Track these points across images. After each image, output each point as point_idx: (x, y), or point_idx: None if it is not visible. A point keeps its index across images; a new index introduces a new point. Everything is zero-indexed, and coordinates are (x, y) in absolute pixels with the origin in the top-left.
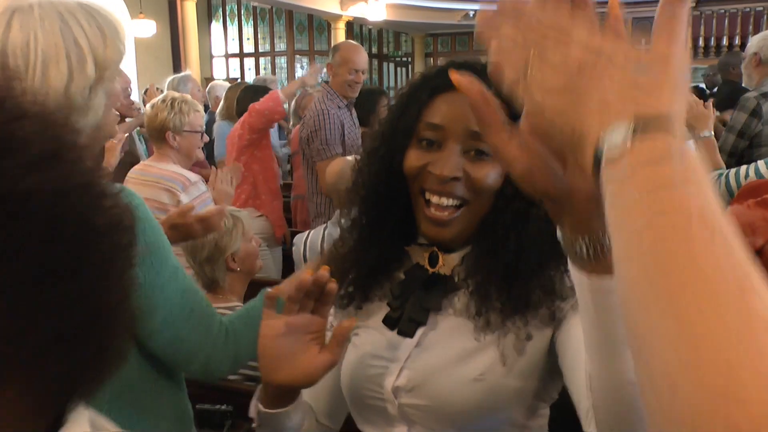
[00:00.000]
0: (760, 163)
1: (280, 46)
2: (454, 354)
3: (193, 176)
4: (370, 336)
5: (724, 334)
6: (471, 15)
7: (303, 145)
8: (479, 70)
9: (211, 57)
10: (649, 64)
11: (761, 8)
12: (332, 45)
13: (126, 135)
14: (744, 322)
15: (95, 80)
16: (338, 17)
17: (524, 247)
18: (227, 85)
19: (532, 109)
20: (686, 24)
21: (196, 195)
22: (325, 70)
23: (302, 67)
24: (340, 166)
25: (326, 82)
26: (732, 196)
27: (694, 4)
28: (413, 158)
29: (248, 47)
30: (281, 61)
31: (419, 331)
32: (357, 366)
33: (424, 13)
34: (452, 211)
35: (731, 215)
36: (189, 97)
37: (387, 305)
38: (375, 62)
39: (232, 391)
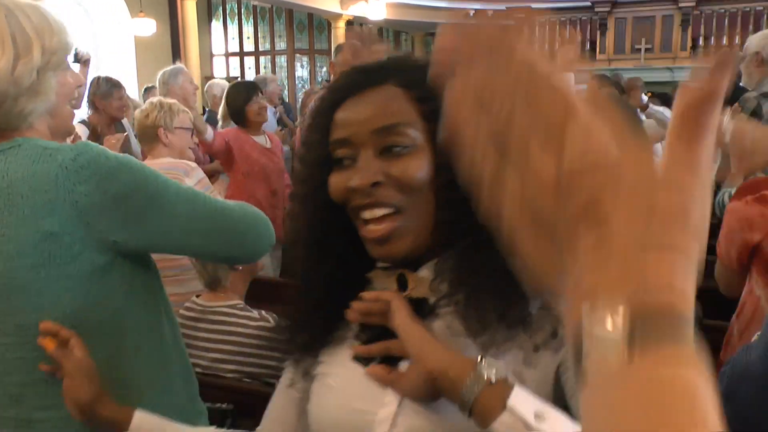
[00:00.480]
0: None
1: (281, 45)
2: None
3: (192, 162)
4: (347, 376)
5: None
6: (471, 14)
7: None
8: (384, 69)
9: (212, 56)
10: (665, 214)
11: (761, 8)
12: (332, 44)
13: (125, 135)
14: None
15: (42, 64)
16: (338, 16)
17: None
18: (225, 83)
19: (501, 226)
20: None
21: (200, 178)
22: (325, 68)
23: (302, 66)
24: None
25: (327, 81)
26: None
27: (694, 4)
28: (334, 183)
29: (248, 46)
30: (281, 60)
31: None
32: (338, 412)
33: (424, 13)
34: (390, 221)
35: (730, 212)
36: (176, 103)
37: (356, 339)
38: None
39: (232, 389)
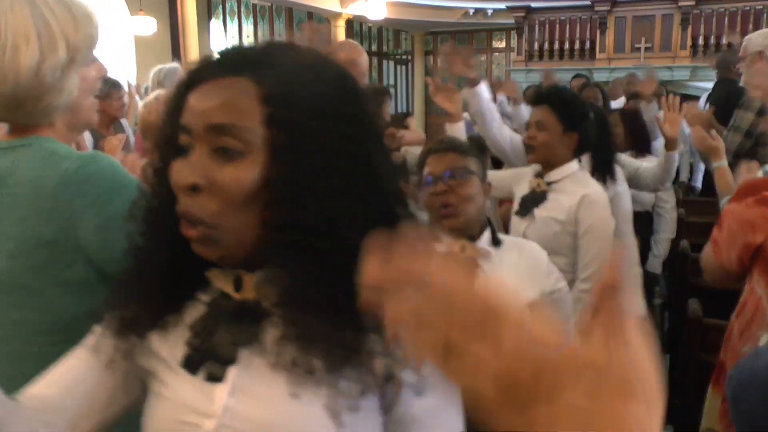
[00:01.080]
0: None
1: None
2: (282, 399)
3: None
4: (178, 384)
5: None
6: (471, 13)
7: None
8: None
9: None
10: (605, 393)
11: (761, 7)
12: (333, 45)
13: (126, 135)
14: None
15: (67, 62)
16: (338, 15)
17: (341, 240)
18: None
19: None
20: (626, 318)
21: None
22: None
23: None
24: None
25: None
26: None
27: (693, 3)
28: (172, 170)
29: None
30: None
31: (231, 373)
32: (168, 425)
33: (424, 12)
34: (202, 228)
35: (730, 213)
36: None
37: (187, 345)
38: (375, 60)
39: None
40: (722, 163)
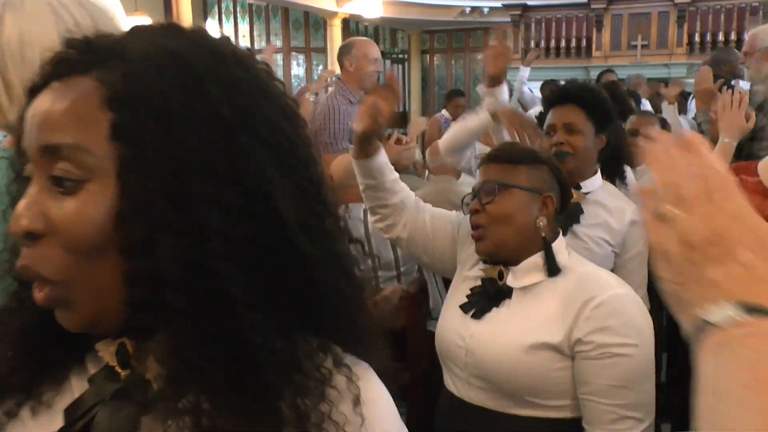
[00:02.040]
0: None
1: (276, 43)
2: None
3: None
4: None
5: None
6: (467, 11)
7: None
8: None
9: None
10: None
11: (756, 3)
12: (328, 42)
13: None
14: None
15: None
16: (334, 14)
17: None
18: None
19: (659, 252)
20: None
21: None
22: (321, 66)
23: (298, 65)
24: (346, 163)
25: (338, 78)
26: None
27: (689, 0)
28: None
29: (244, 44)
30: (277, 59)
31: None
32: None
33: (421, 10)
34: (49, 289)
35: None
36: None
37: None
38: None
39: None
40: (729, 140)
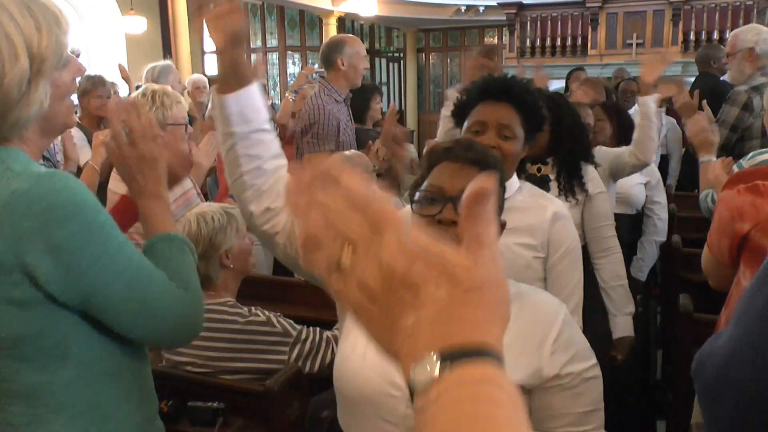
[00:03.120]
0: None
1: (272, 42)
2: None
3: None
4: None
5: None
6: (463, 10)
7: (297, 138)
8: None
9: (203, 53)
10: (463, 291)
11: (751, 2)
12: (324, 40)
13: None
14: None
15: (33, 73)
16: (330, 13)
17: None
18: (203, 78)
19: (345, 305)
20: (494, 224)
21: (180, 194)
22: (317, 65)
23: (294, 63)
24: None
25: (323, 77)
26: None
27: None
28: None
29: None
30: (273, 57)
31: None
32: None
33: (416, 9)
34: None
35: (721, 201)
36: (169, 88)
37: None
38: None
39: (223, 388)
40: (711, 158)
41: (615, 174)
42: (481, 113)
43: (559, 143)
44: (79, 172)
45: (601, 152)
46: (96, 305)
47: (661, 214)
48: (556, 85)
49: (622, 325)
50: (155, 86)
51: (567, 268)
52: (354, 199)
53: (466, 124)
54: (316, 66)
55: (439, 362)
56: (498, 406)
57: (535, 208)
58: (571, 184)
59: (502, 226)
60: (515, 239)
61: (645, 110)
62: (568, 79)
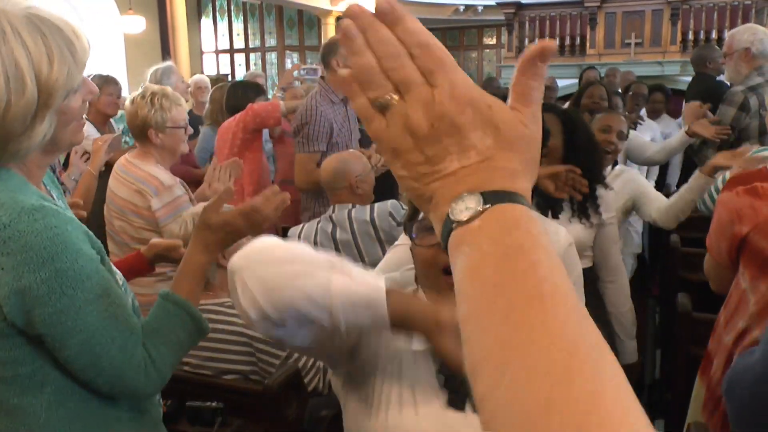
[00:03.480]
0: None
1: (271, 41)
2: None
3: (169, 180)
4: None
5: (576, 396)
6: (461, 10)
7: (294, 136)
8: None
9: (201, 53)
10: (506, 143)
11: (749, 2)
12: (322, 40)
13: (113, 135)
14: (594, 382)
15: (39, 105)
16: (328, 12)
17: None
18: (205, 78)
19: (385, 148)
20: (542, 85)
21: (168, 201)
22: (315, 66)
23: (292, 62)
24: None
25: (322, 78)
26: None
27: None
28: None
29: (238, 43)
30: (272, 57)
31: None
32: None
33: (415, 8)
34: None
35: (721, 203)
36: (169, 90)
37: None
38: None
39: (221, 388)
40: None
41: (630, 209)
42: None
43: (573, 161)
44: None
45: (633, 178)
46: (51, 348)
47: (637, 227)
48: (562, 83)
49: (630, 351)
50: (154, 87)
51: None
52: (415, 39)
53: None
54: (312, 63)
55: (482, 199)
56: (538, 237)
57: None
58: (584, 206)
59: None
60: None
61: (699, 185)
62: (580, 79)
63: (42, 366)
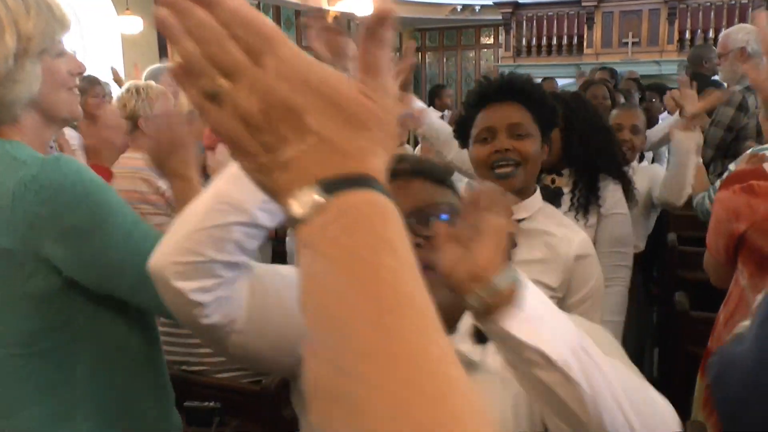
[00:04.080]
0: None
1: None
2: None
3: None
4: None
5: (423, 400)
6: (459, 9)
7: None
8: None
9: None
10: (345, 121)
11: (746, 1)
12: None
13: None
14: (442, 387)
15: (19, 51)
16: (326, 12)
17: None
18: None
19: (225, 139)
20: (391, 52)
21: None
22: None
23: None
24: None
25: None
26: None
27: None
28: None
29: None
30: None
31: None
32: None
33: (412, 8)
34: None
35: (718, 201)
36: (153, 83)
37: None
38: None
39: (219, 387)
40: (699, 159)
41: (650, 203)
42: (485, 119)
43: (571, 149)
44: None
45: (645, 167)
46: (107, 289)
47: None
48: (561, 83)
49: None
50: (139, 82)
51: (586, 311)
52: (237, 19)
53: (472, 135)
54: None
55: (319, 192)
56: (383, 234)
57: (557, 239)
58: (585, 200)
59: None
60: (528, 274)
61: (682, 147)
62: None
63: (80, 331)
